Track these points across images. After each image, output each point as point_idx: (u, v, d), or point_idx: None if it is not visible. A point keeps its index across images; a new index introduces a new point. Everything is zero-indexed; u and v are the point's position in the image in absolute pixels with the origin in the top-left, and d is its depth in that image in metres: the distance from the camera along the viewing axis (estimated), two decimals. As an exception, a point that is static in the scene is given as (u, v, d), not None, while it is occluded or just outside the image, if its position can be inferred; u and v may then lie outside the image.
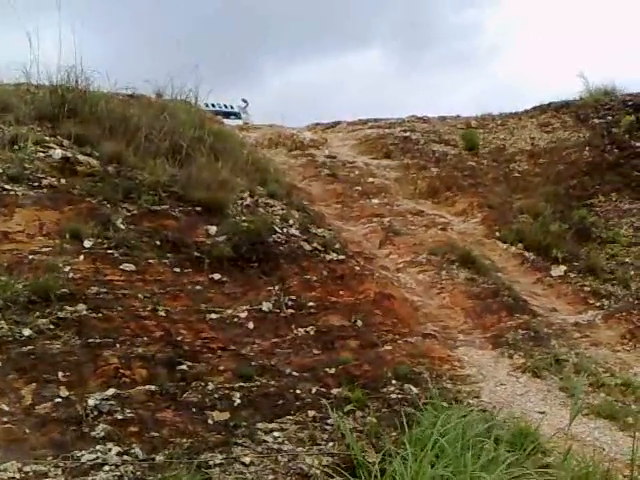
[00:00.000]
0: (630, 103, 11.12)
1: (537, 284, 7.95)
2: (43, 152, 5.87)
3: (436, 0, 38.65)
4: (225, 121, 13.40)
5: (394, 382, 5.24)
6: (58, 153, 5.89)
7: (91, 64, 6.69)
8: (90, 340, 4.51)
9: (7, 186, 5.36)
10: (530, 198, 9.41)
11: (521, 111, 12.14)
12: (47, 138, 6.06)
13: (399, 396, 5.08)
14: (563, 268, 8.14)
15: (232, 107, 14.63)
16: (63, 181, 5.68)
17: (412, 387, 5.22)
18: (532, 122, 11.58)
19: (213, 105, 13.59)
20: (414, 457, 3.92)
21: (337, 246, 6.74)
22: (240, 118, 14.45)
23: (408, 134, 11.36)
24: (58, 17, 6.27)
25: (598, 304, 7.60)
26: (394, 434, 4.51)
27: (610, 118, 10.97)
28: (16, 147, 5.80)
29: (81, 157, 6.00)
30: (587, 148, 10.46)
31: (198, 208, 6.15)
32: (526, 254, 8.39)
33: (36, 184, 5.52)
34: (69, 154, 5.94)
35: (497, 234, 8.78)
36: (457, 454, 3.99)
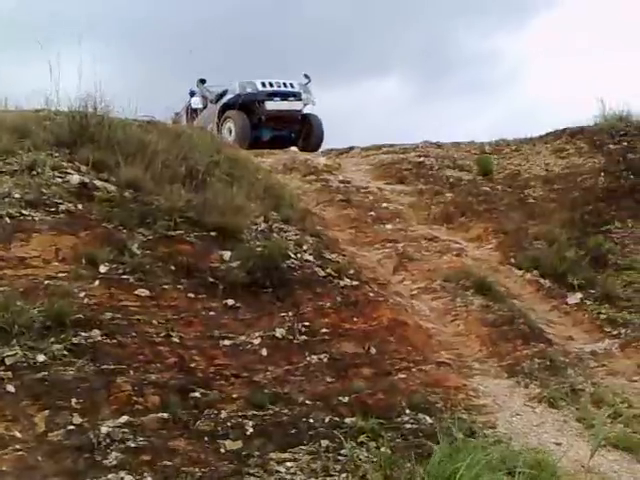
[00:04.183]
0: (646, 129, 11.09)
1: (553, 311, 7.87)
2: (61, 177, 5.93)
3: (455, 28, 38.91)
4: (281, 105, 12.26)
5: (408, 412, 5.19)
6: (76, 179, 5.95)
7: (111, 91, 6.82)
8: (104, 366, 4.51)
9: (25, 211, 5.41)
10: (545, 224, 9.36)
11: (536, 137, 12.11)
12: (65, 164, 6.13)
13: (413, 426, 5.03)
14: (579, 295, 8.06)
15: (292, 85, 12.64)
16: (80, 206, 5.73)
17: (426, 417, 5.16)
18: (547, 148, 11.55)
19: (271, 84, 12.28)
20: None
21: (351, 272, 6.72)
22: (300, 99, 12.57)
23: (422, 159, 11.36)
24: (79, 49, 6.41)
25: (615, 332, 7.51)
26: (408, 465, 4.46)
27: (626, 144, 10.92)
28: (34, 172, 5.86)
29: (98, 183, 6.06)
30: (602, 174, 10.41)
31: (213, 233, 6.17)
32: (542, 281, 8.32)
33: (53, 209, 5.57)
34: (86, 179, 6.00)
35: (512, 260, 8.72)
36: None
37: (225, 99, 12.40)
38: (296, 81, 12.59)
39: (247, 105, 12.00)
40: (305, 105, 12.57)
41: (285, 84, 12.42)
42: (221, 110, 12.32)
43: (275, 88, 12.30)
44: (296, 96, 12.44)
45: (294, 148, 12.06)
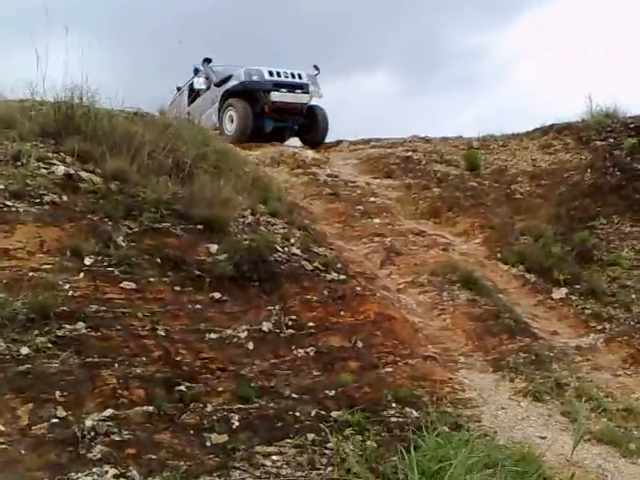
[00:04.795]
0: (632, 125, 11.15)
1: (538, 306, 7.92)
2: (46, 168, 5.87)
3: (443, 24, 38.87)
4: (287, 97, 11.65)
5: (394, 405, 5.19)
6: (61, 170, 5.89)
7: (98, 83, 6.75)
8: (88, 359, 4.47)
9: (9, 202, 5.34)
10: (532, 219, 9.41)
11: (523, 132, 12.17)
12: (50, 154, 6.06)
13: (399, 420, 5.03)
14: (564, 290, 8.11)
15: (300, 76, 12.10)
16: (65, 198, 5.67)
17: (413, 410, 5.17)
18: (534, 143, 11.60)
19: (278, 74, 11.73)
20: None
21: (338, 266, 6.72)
22: (307, 92, 12.04)
23: (410, 154, 11.38)
24: (67, 39, 6.33)
25: (599, 327, 7.56)
26: (394, 459, 4.46)
27: (612, 140, 10.99)
28: (19, 163, 5.79)
29: (84, 174, 5.99)
30: (589, 170, 10.47)
31: (200, 226, 6.13)
32: (527, 276, 8.37)
33: (38, 201, 5.50)
34: (72, 171, 5.94)
35: (498, 255, 8.76)
36: (458, 481, 3.94)
37: (229, 85, 11.95)
38: (305, 72, 12.16)
39: (251, 94, 11.64)
40: (311, 98, 12.09)
41: (293, 75, 11.97)
42: (224, 96, 11.89)
43: (282, 78, 11.81)
44: (303, 88, 11.97)
45: (295, 139, 11.74)
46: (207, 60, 12.57)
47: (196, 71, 12.74)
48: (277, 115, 11.65)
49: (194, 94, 12.59)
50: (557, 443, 5.31)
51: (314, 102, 12.26)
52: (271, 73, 11.71)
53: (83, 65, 6.42)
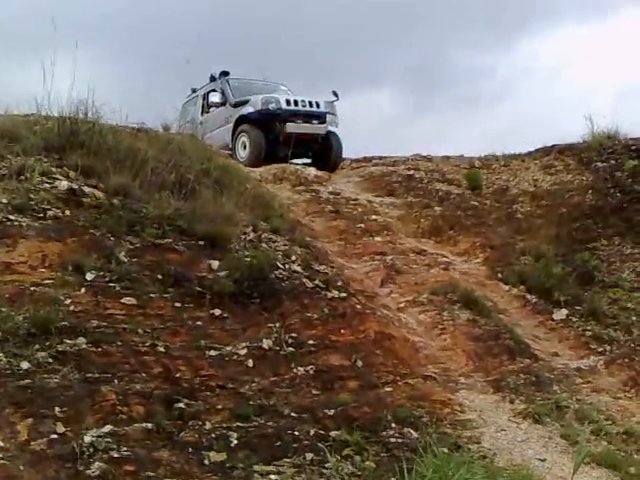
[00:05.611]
0: (633, 147, 11.17)
1: (539, 327, 7.90)
2: (49, 183, 5.90)
3: (448, 44, 39.08)
4: (303, 127, 11.36)
5: (394, 425, 5.18)
6: (64, 184, 5.92)
7: (103, 98, 6.79)
8: (88, 375, 4.48)
9: (12, 217, 5.38)
10: (533, 240, 9.41)
11: (524, 153, 12.19)
12: (54, 169, 6.10)
13: (398, 440, 5.02)
14: (565, 312, 8.09)
15: (317, 104, 11.66)
16: (68, 212, 5.70)
17: (412, 431, 5.16)
18: (535, 164, 11.62)
19: (295, 103, 11.43)
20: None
21: (339, 284, 6.72)
22: (324, 122, 11.64)
23: (412, 172, 11.40)
24: (75, 54, 6.40)
25: (600, 349, 7.54)
26: (393, 479, 4.44)
27: (613, 162, 11.00)
28: (22, 177, 5.83)
29: (87, 189, 6.03)
30: (590, 191, 10.48)
31: (201, 242, 6.15)
32: (528, 296, 8.35)
33: (41, 215, 5.54)
34: (75, 186, 5.97)
35: (499, 275, 8.75)
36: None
37: (244, 111, 11.70)
38: (323, 99, 11.83)
39: (267, 122, 11.42)
40: (328, 127, 11.77)
41: (311, 103, 11.60)
42: (238, 121, 11.69)
43: (300, 107, 11.45)
44: (320, 118, 11.61)
45: (312, 169, 11.45)
46: (224, 73, 12.40)
47: (212, 78, 12.65)
48: (292, 143, 11.37)
49: (208, 106, 12.51)
50: (557, 466, 5.29)
51: (330, 129, 12.05)
52: (288, 102, 11.45)
53: (90, 79, 6.48)
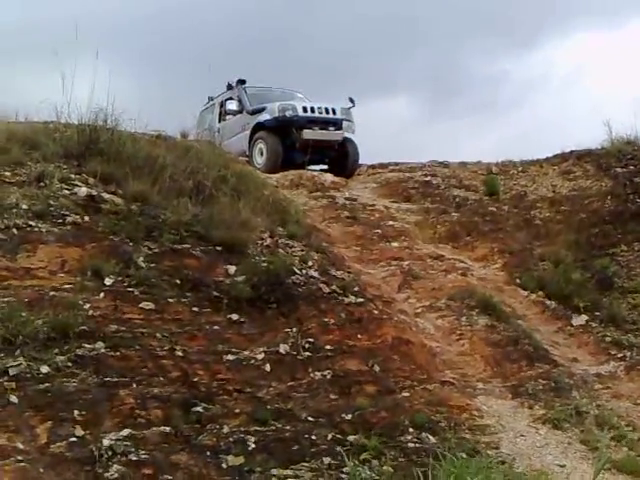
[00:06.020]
0: (653, 153, 11.08)
1: (558, 333, 7.83)
2: (68, 189, 5.97)
3: (464, 51, 39.06)
4: (319, 134, 11.44)
5: (411, 430, 5.16)
6: (83, 191, 5.99)
7: (124, 104, 6.87)
8: (107, 379, 4.51)
9: (32, 222, 5.44)
10: (551, 245, 9.33)
11: (542, 158, 12.11)
12: (73, 176, 6.17)
13: (416, 445, 5.00)
14: (584, 317, 8.02)
15: (334, 111, 11.69)
16: (87, 219, 5.76)
17: (430, 436, 5.14)
18: (554, 170, 11.54)
19: (312, 110, 11.48)
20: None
21: (356, 289, 6.72)
22: (341, 128, 11.69)
23: (429, 178, 11.37)
24: (94, 62, 6.48)
25: (620, 355, 7.46)
26: (411, 484, 4.42)
27: (632, 168, 10.90)
28: (42, 184, 5.90)
29: (106, 195, 6.09)
30: (609, 197, 10.39)
31: (219, 247, 6.18)
32: (547, 302, 8.28)
33: (60, 221, 5.60)
34: (94, 192, 6.04)
35: (518, 281, 8.69)
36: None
37: (261, 118, 11.79)
38: (339, 106, 11.87)
39: (283, 128, 11.51)
40: (344, 133, 11.82)
41: (327, 110, 11.65)
42: (255, 128, 11.79)
43: (316, 114, 11.51)
44: (336, 125, 11.66)
45: (328, 175, 11.49)
46: (241, 82, 12.50)
47: (229, 86, 12.75)
48: (309, 150, 11.42)
49: (225, 114, 12.60)
50: (576, 472, 5.24)
51: (347, 135, 12.09)
52: (305, 109, 11.52)
53: (109, 87, 6.55)
